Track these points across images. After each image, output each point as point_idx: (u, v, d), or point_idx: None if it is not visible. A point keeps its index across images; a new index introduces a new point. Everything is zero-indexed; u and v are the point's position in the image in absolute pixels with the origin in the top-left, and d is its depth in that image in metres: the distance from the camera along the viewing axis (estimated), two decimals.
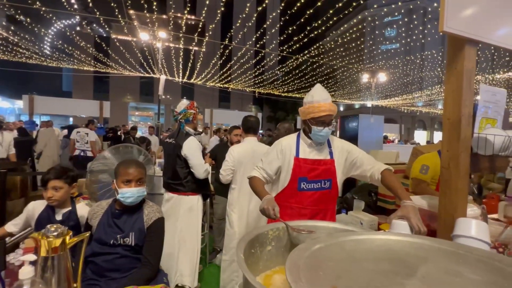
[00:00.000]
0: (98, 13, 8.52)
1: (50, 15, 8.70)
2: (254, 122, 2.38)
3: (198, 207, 2.37)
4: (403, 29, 23.21)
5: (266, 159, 1.63)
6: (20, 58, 11.67)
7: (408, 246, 0.98)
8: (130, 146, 2.65)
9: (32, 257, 0.77)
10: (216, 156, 3.07)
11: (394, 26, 25.78)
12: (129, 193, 1.43)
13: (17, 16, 9.38)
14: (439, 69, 18.10)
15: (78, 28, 18.76)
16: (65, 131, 8.00)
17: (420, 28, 21.26)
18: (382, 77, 16.33)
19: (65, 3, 8.26)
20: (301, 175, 1.55)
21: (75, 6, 10.31)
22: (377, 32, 26.98)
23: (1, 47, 11.16)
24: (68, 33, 12.18)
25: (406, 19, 23.93)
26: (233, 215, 2.30)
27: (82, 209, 1.72)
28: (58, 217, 1.66)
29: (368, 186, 4.73)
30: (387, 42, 26.59)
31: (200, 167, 2.23)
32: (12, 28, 10.85)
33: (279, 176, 1.62)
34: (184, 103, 2.32)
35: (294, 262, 0.81)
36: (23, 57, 11.57)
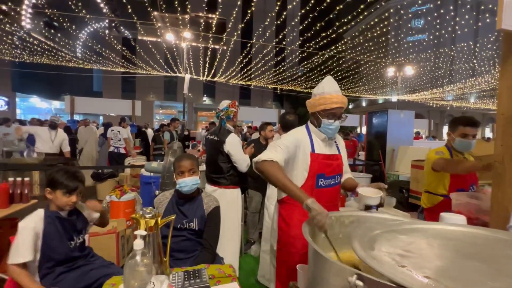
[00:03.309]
0: (125, 13, 8.95)
1: (91, 20, 9.28)
2: (293, 120, 2.46)
3: (238, 200, 2.53)
4: (437, 20, 21.79)
5: (283, 145, 1.42)
6: (61, 62, 12.57)
7: (463, 235, 1.04)
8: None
9: (143, 232, 0.93)
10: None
11: (428, 17, 24.36)
12: (183, 183, 1.61)
13: (54, 21, 10.12)
14: (474, 61, 16.92)
15: (107, 31, 19.77)
16: (102, 129, 8.56)
17: (457, 19, 19.85)
18: (409, 70, 15.63)
19: (103, 7, 8.77)
20: (319, 172, 1.47)
21: (104, 11, 10.91)
22: (404, 22, 25.74)
23: (39, 51, 12.08)
24: (98, 36, 12.92)
25: (436, 8, 22.61)
26: (272, 208, 2.43)
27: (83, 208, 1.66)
28: (65, 215, 1.54)
29: (399, 183, 4.67)
30: (418, 34, 25.23)
31: (243, 162, 2.38)
32: (49, 32, 11.70)
33: (291, 173, 1.46)
34: (226, 101, 2.47)
35: (358, 244, 0.91)
36: (63, 61, 12.44)
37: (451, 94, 18.72)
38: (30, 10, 11.40)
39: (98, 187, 5.38)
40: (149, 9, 9.10)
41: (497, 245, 0.96)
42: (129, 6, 8.29)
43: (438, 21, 21.18)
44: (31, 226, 1.42)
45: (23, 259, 1.37)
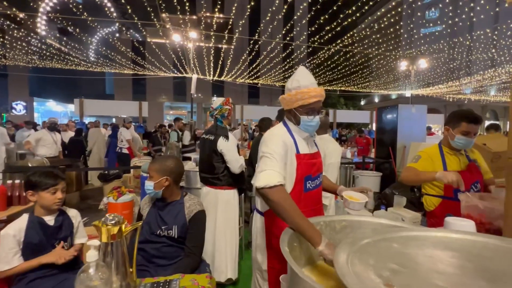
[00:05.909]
0: (133, 17, 9.05)
1: (96, 24, 9.48)
2: None
3: (234, 201, 2.43)
4: (450, 8, 20.59)
5: (277, 154, 1.25)
6: (70, 66, 12.93)
7: (470, 246, 0.89)
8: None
9: (96, 242, 0.84)
10: (251, 151, 3.08)
11: (441, 5, 23.18)
12: (145, 185, 1.55)
13: (67, 28, 10.43)
14: (493, 50, 15.97)
15: (117, 35, 20.19)
16: (109, 131, 8.71)
17: (472, 4, 18.67)
18: (423, 63, 15.00)
19: (107, 11, 8.93)
20: (307, 173, 1.35)
21: (114, 14, 11.10)
22: (417, 14, 24.73)
23: (54, 56, 12.47)
24: (108, 40, 13.20)
25: None
26: None
27: (70, 211, 1.61)
28: (51, 223, 1.49)
29: None
30: (433, 25, 24.16)
31: (236, 163, 2.28)
32: (63, 38, 12.06)
33: None
34: (219, 99, 2.37)
35: (342, 256, 0.78)
36: (73, 65, 12.80)
37: (469, 87, 17.81)
38: (44, 17, 11.78)
39: (105, 187, 5.43)
40: (156, 11, 9.16)
41: (511, 258, 0.81)
42: (130, 9, 8.35)
43: (451, 8, 20.05)
44: (12, 234, 1.40)
45: (9, 266, 1.36)
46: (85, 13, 8.48)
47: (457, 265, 0.77)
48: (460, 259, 0.81)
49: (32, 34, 11.35)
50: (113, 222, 0.95)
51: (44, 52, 12.14)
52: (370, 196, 1.38)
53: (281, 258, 1.34)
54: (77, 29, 10.16)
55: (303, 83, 1.33)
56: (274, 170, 1.20)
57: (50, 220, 1.49)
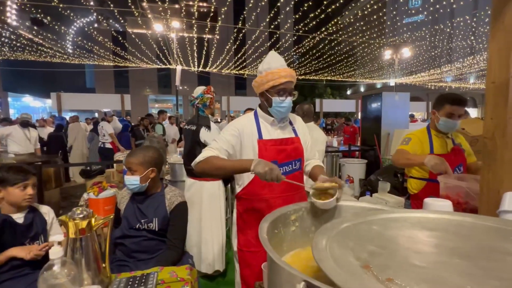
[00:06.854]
0: (112, 6, 8.60)
1: (69, 11, 8.94)
2: None
3: (220, 192, 2.40)
4: None
5: (221, 138, 1.36)
6: (45, 58, 12.24)
7: (447, 224, 0.90)
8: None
9: (60, 237, 0.79)
10: None
11: None
12: (127, 181, 1.47)
13: (40, 17, 9.79)
14: (472, 38, 16.38)
15: (96, 25, 19.25)
16: (91, 126, 8.39)
17: None
18: (406, 52, 15.25)
19: (82, 0, 8.43)
20: (271, 159, 1.33)
21: (92, 3, 10.51)
22: (401, 3, 24.92)
23: (29, 49, 11.74)
24: (86, 30, 12.54)
25: None
26: None
27: (42, 207, 1.54)
28: (20, 221, 1.41)
29: (393, 168, 4.53)
30: (413, 11, 24.45)
31: None
32: (37, 29, 11.33)
33: None
34: (200, 88, 2.30)
35: (320, 241, 0.77)
36: (47, 56, 12.12)
37: (450, 74, 18.29)
38: (15, 7, 11.00)
39: (87, 184, 5.26)
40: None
41: (486, 235, 0.82)
42: None
43: None
44: None
45: None
46: (55, 0, 7.97)
47: (434, 244, 0.77)
48: (437, 238, 0.81)
49: (1, 24, 10.60)
50: (81, 216, 0.90)
51: (17, 44, 11.41)
52: (345, 189, 1.36)
53: (248, 241, 1.36)
54: (49, 17, 9.57)
55: (273, 65, 1.35)
56: (207, 149, 1.32)
57: (19, 218, 1.41)
